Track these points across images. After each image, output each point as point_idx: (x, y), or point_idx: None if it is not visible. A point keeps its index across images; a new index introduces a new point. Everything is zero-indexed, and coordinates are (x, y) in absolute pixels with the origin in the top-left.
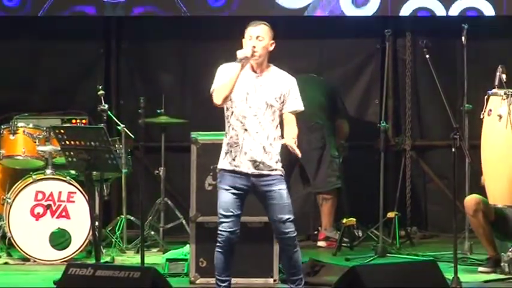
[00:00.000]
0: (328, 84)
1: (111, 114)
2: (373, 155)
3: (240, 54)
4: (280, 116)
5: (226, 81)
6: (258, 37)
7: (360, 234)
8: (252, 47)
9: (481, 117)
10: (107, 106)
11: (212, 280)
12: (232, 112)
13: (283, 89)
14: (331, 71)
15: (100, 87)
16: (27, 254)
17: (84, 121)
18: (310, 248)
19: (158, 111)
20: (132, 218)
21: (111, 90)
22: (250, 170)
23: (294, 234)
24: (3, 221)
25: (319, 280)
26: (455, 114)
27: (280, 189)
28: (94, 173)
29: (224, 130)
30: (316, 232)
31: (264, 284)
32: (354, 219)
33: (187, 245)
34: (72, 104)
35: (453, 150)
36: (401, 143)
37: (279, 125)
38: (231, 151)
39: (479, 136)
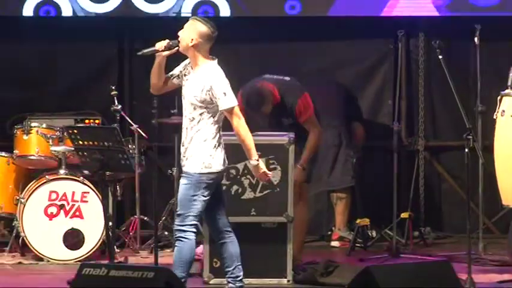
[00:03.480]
0: (344, 86)
1: (124, 115)
2: (386, 155)
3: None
4: (217, 115)
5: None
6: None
7: (374, 234)
8: (166, 42)
9: (494, 117)
10: (120, 106)
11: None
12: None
13: (205, 85)
14: (344, 72)
15: (113, 87)
16: (40, 253)
17: (97, 121)
18: (323, 248)
19: (171, 111)
20: (145, 218)
21: (124, 90)
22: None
23: (175, 228)
24: (16, 220)
25: (333, 280)
26: (468, 115)
27: (181, 182)
28: (107, 173)
29: (232, 131)
30: (329, 232)
31: (278, 284)
32: (368, 220)
33: (201, 245)
34: (85, 104)
35: (466, 150)
36: (414, 143)
37: (205, 123)
38: None
39: (492, 136)
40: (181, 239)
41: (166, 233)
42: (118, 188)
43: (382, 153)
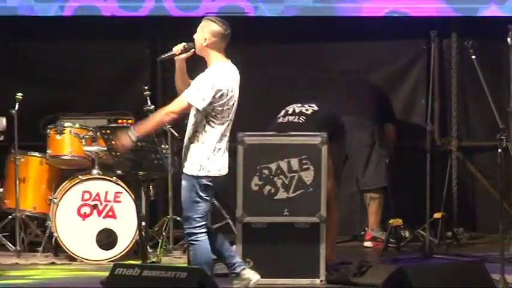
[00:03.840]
0: (378, 87)
1: None
2: (419, 155)
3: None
4: (219, 119)
5: None
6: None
7: (407, 234)
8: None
9: None
10: (153, 106)
11: (259, 280)
12: None
13: None
14: (378, 72)
15: (146, 87)
16: (73, 253)
17: (130, 121)
18: (356, 248)
19: None
20: (178, 218)
21: (157, 90)
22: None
23: (185, 232)
24: (50, 220)
25: (366, 280)
26: (501, 115)
27: (182, 184)
28: (140, 173)
29: (267, 131)
30: (362, 232)
31: (311, 285)
32: (401, 220)
33: (234, 246)
34: (118, 104)
35: (499, 151)
36: (447, 143)
37: (198, 124)
38: None
39: None
40: (193, 242)
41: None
42: (151, 188)
43: (415, 153)
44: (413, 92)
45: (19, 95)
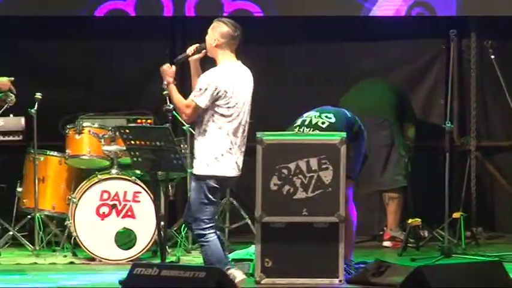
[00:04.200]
0: (398, 87)
1: (176, 114)
2: (438, 155)
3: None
4: (228, 119)
5: None
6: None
7: (426, 234)
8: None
9: None
10: (172, 106)
11: (278, 280)
12: None
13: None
14: (397, 72)
15: (165, 87)
16: (92, 253)
17: (149, 121)
18: (375, 248)
19: None
20: None
21: None
22: None
23: (194, 233)
24: (68, 220)
25: (385, 280)
26: None
27: (191, 185)
28: (159, 173)
29: (287, 130)
30: (381, 232)
31: (329, 284)
32: (420, 220)
33: (253, 245)
34: (137, 104)
35: None
36: (466, 143)
37: (213, 127)
38: None
39: None
40: (203, 243)
41: (218, 232)
42: (170, 188)
43: (434, 153)
44: (432, 91)
45: (38, 95)
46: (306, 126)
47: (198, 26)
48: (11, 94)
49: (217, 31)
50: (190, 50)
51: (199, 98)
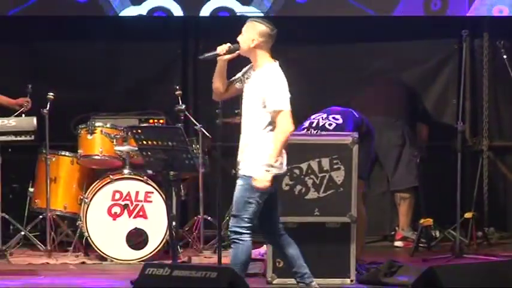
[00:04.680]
0: (409, 86)
1: (188, 114)
2: (450, 155)
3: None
4: (272, 117)
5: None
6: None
7: (437, 234)
8: (227, 46)
9: None
10: (184, 106)
11: (289, 280)
12: None
13: (261, 86)
14: (409, 72)
15: (177, 87)
16: (104, 253)
17: (161, 121)
18: (387, 248)
19: (236, 111)
20: (209, 218)
21: (188, 90)
22: (238, 169)
23: (230, 230)
24: (80, 220)
25: (397, 281)
26: None
27: (238, 184)
28: (171, 172)
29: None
30: (393, 232)
31: (341, 284)
32: (431, 220)
33: (265, 245)
34: (149, 104)
35: None
36: (478, 143)
37: (264, 125)
38: None
39: None
40: (237, 241)
41: (229, 232)
42: (182, 188)
43: (446, 153)
44: (444, 91)
45: (50, 95)
46: (313, 128)
47: (210, 26)
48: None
49: (256, 31)
50: (222, 49)
51: (287, 102)
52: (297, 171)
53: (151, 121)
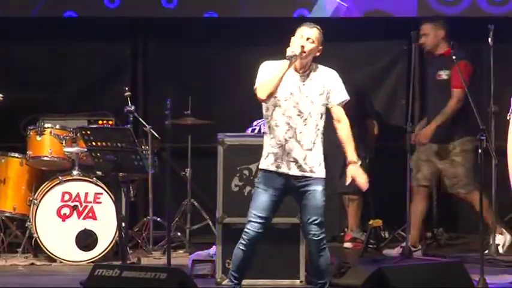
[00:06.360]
0: (358, 87)
1: (137, 116)
2: (399, 155)
3: (289, 51)
4: (327, 111)
5: (272, 77)
6: (308, 39)
7: (387, 235)
8: (301, 46)
9: (508, 118)
10: (133, 107)
11: None
12: (276, 110)
13: (325, 84)
14: (358, 73)
15: (126, 88)
16: (53, 255)
17: (110, 122)
18: (336, 249)
19: (185, 112)
20: (158, 219)
21: (137, 91)
22: (292, 171)
23: (316, 238)
24: (29, 222)
25: (346, 281)
26: (481, 115)
27: (315, 190)
28: (120, 174)
29: (252, 131)
30: (342, 233)
31: (290, 285)
32: (381, 221)
33: (214, 246)
34: (98, 105)
35: (479, 151)
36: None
37: (323, 123)
38: (273, 151)
39: (505, 137)
40: (325, 245)
41: (179, 234)
42: (131, 189)
43: (395, 153)
44: (393, 92)
45: (0, 96)
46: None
47: (162, 27)
48: None
49: (321, 41)
50: (299, 50)
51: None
52: (246, 172)
53: (100, 122)
